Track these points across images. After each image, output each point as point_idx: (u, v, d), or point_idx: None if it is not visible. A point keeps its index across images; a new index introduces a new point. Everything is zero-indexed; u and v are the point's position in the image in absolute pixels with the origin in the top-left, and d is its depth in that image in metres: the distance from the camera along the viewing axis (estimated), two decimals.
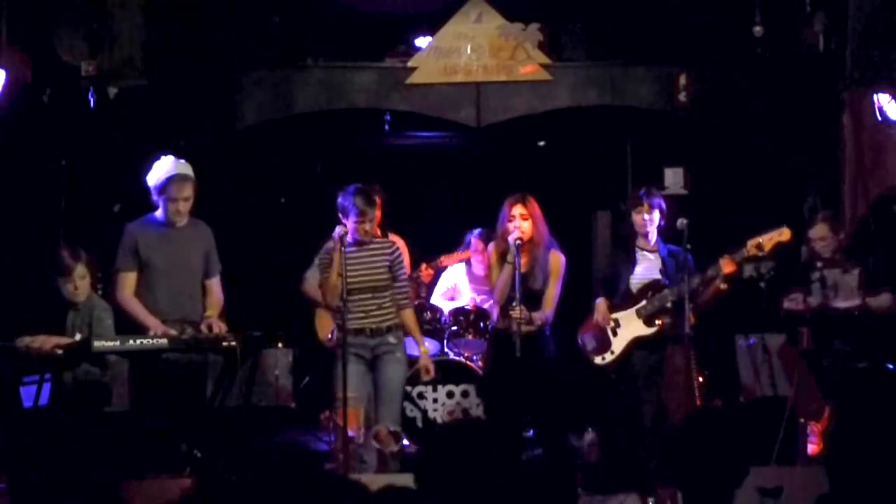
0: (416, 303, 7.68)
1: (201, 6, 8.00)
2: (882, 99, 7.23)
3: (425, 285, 7.57)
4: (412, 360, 7.52)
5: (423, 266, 7.33)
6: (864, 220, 7.47)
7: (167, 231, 6.07)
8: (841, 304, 6.32)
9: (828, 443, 6.29)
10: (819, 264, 6.45)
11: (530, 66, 8.35)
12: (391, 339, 6.12)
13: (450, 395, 7.47)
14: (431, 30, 8.37)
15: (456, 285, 8.00)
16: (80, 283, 5.90)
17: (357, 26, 8.26)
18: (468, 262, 7.93)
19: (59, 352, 5.62)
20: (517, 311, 6.10)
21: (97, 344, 5.53)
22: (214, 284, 6.21)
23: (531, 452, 6.37)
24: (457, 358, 7.54)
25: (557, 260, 6.39)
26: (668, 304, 6.29)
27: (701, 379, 6.36)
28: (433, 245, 7.82)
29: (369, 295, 6.05)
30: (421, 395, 7.47)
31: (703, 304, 6.38)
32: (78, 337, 5.69)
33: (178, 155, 6.20)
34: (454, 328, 7.58)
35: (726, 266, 6.20)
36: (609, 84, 8.42)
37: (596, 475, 6.68)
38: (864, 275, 6.43)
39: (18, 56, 7.04)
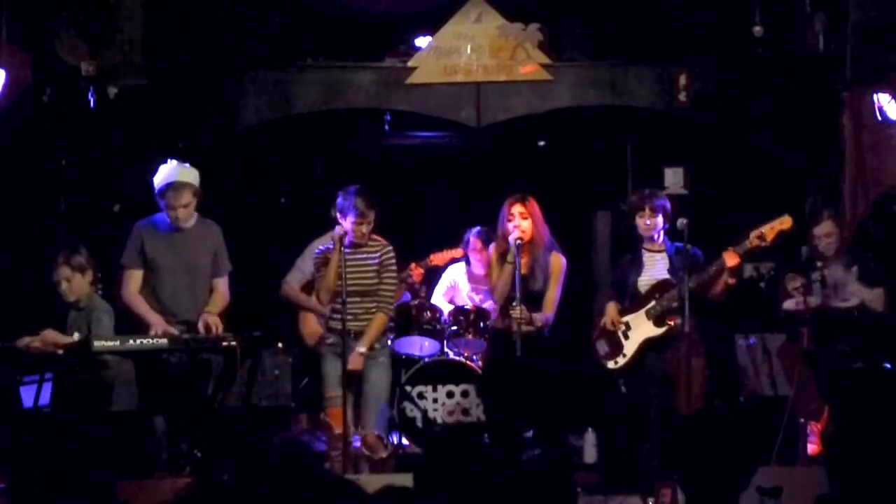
0: (417, 302, 7.69)
1: (201, 6, 7.99)
2: (882, 99, 7.24)
3: (417, 284, 7.55)
4: (411, 360, 7.55)
5: (413, 265, 7.33)
6: (864, 219, 7.47)
7: (174, 232, 6.09)
8: (841, 303, 6.32)
9: (826, 443, 6.28)
10: (819, 264, 6.44)
11: (530, 66, 8.35)
12: (376, 344, 6.12)
13: (450, 394, 7.47)
14: (431, 30, 8.36)
15: (456, 285, 8.00)
16: (66, 284, 5.95)
17: (357, 26, 8.26)
18: (467, 262, 7.93)
19: (59, 352, 5.62)
20: (517, 311, 6.09)
21: (97, 344, 5.54)
22: (221, 284, 6.22)
23: (531, 452, 6.40)
24: (457, 358, 7.53)
25: (558, 261, 6.38)
26: (677, 304, 6.23)
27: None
28: (433, 245, 7.82)
29: (358, 298, 6.05)
30: (421, 395, 7.47)
31: (714, 298, 6.35)
32: (76, 336, 5.69)
33: (181, 159, 6.21)
34: (454, 328, 7.58)
35: (730, 259, 6.19)
36: (609, 84, 8.41)
37: (596, 475, 6.70)
38: (862, 269, 6.42)
39: (18, 56, 7.04)
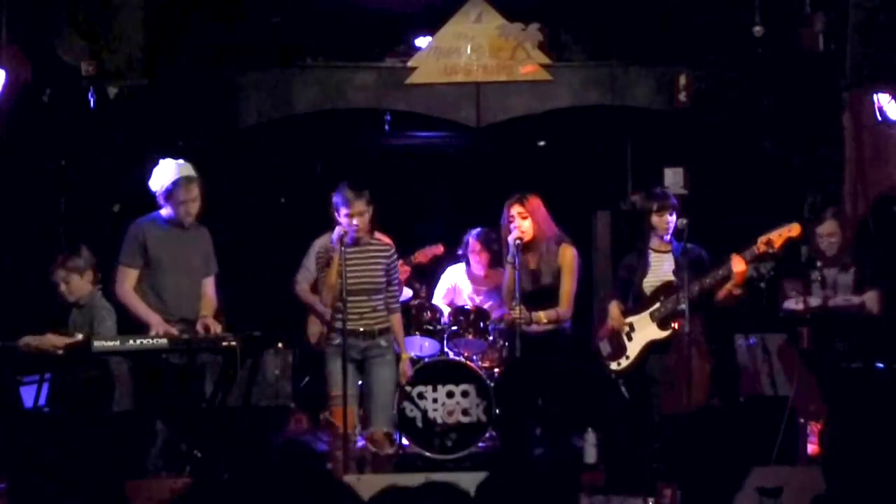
0: (417, 303, 7.69)
1: (201, 6, 8.00)
2: (882, 99, 7.24)
3: (401, 282, 7.53)
4: (412, 360, 7.54)
5: (400, 262, 7.32)
6: (864, 220, 7.47)
7: (175, 231, 6.11)
8: (841, 303, 6.32)
9: (823, 443, 6.28)
10: (819, 264, 6.44)
11: (530, 66, 8.35)
12: (382, 342, 6.13)
13: (450, 395, 7.46)
14: (431, 30, 8.37)
15: (456, 286, 8.00)
16: (63, 286, 5.99)
17: (357, 26, 8.27)
18: (467, 263, 7.93)
19: (59, 351, 5.62)
20: (517, 311, 6.09)
21: (97, 344, 5.54)
22: (209, 284, 6.24)
23: (536, 452, 6.41)
24: (457, 358, 7.53)
25: (568, 253, 6.37)
26: (682, 307, 6.20)
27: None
28: (418, 249, 7.81)
29: (364, 297, 6.05)
30: (421, 395, 7.47)
31: (720, 304, 6.31)
32: (80, 337, 5.69)
33: (175, 156, 6.22)
34: (454, 328, 7.58)
35: (737, 264, 6.13)
36: (609, 84, 8.42)
37: (597, 475, 6.70)
38: (857, 276, 6.43)
39: (18, 56, 7.04)
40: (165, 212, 6.11)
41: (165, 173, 6.07)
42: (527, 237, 6.21)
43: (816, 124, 7.98)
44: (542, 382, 6.08)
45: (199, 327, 5.93)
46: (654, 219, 6.38)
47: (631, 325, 6.38)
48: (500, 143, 8.98)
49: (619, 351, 6.41)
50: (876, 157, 7.61)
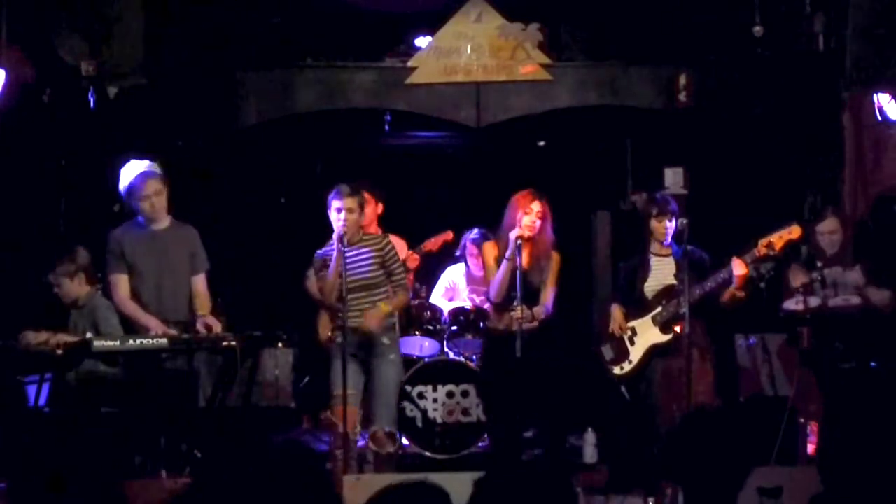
0: (416, 302, 7.69)
1: (201, 6, 8.00)
2: (882, 99, 7.23)
3: (413, 271, 7.52)
4: (411, 360, 7.55)
5: (409, 253, 7.32)
6: (864, 220, 7.47)
7: (151, 234, 6.08)
8: (840, 303, 6.31)
9: (820, 442, 6.28)
10: (819, 264, 6.42)
11: (530, 66, 8.35)
12: (385, 339, 6.10)
13: (450, 395, 7.47)
14: (431, 30, 8.37)
15: (455, 286, 8.00)
16: (56, 289, 6.03)
17: (357, 26, 8.27)
18: (466, 264, 7.93)
19: (59, 351, 5.62)
20: (518, 311, 6.07)
21: (97, 344, 5.54)
22: (199, 281, 6.20)
23: (531, 452, 6.40)
24: (457, 358, 7.54)
25: (557, 259, 6.38)
26: (683, 310, 6.17)
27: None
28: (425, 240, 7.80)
29: (364, 293, 6.03)
30: (421, 395, 7.47)
31: (723, 307, 6.27)
32: (89, 335, 5.69)
33: (148, 157, 6.23)
34: (454, 328, 7.59)
35: (738, 267, 6.08)
36: (609, 84, 8.42)
37: (597, 475, 6.70)
38: (870, 270, 6.38)
39: (18, 56, 7.04)
40: (139, 215, 6.11)
41: (128, 172, 6.07)
42: (527, 235, 6.18)
43: (816, 124, 7.98)
44: (527, 381, 6.04)
45: (199, 326, 5.92)
46: (654, 223, 6.34)
47: (633, 330, 6.33)
48: (500, 143, 8.98)
49: (622, 356, 6.35)
50: (876, 157, 7.61)
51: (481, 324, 7.44)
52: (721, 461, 3.08)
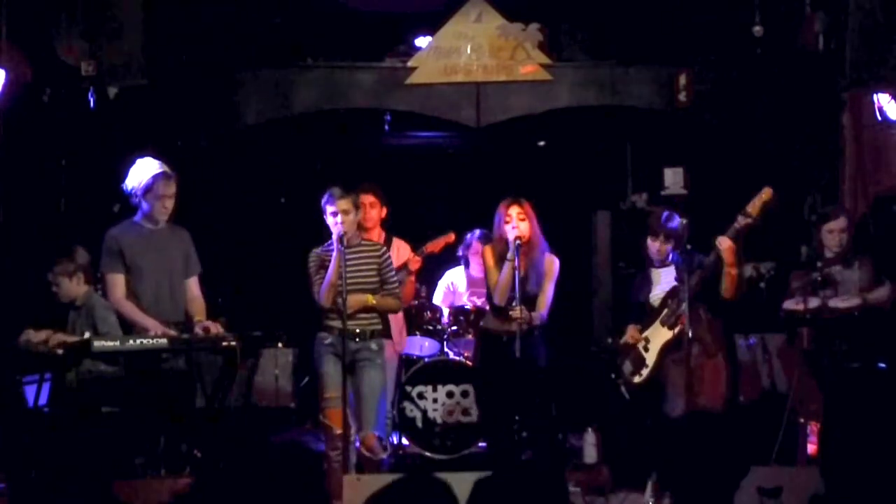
0: (417, 303, 7.68)
1: (201, 6, 8.00)
2: (882, 99, 7.23)
3: (414, 273, 7.50)
4: (411, 360, 7.55)
5: (410, 255, 7.31)
6: (864, 220, 7.46)
7: (149, 234, 6.08)
8: (840, 303, 6.31)
9: (821, 443, 6.27)
10: (819, 264, 6.43)
11: (530, 66, 8.35)
12: (373, 345, 6.09)
13: (450, 395, 7.47)
14: (431, 30, 8.37)
15: (455, 288, 8.00)
16: (55, 288, 6.04)
17: (357, 26, 8.27)
18: (466, 265, 7.92)
19: (60, 351, 5.62)
20: (517, 312, 6.07)
21: (97, 344, 5.54)
22: (193, 284, 6.20)
23: (524, 453, 6.39)
24: (457, 358, 7.54)
25: (552, 263, 6.36)
26: (684, 306, 6.17)
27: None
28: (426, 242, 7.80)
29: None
30: (421, 395, 7.47)
31: (727, 297, 6.22)
32: (87, 335, 5.69)
33: (159, 157, 6.22)
34: (454, 328, 7.59)
35: (722, 243, 6.07)
36: (609, 84, 8.42)
37: (597, 474, 6.71)
38: (872, 265, 6.36)
39: (18, 56, 7.04)
40: (139, 215, 6.10)
41: (144, 170, 6.06)
42: (525, 238, 6.19)
43: (816, 124, 7.98)
44: (522, 383, 6.04)
45: (198, 330, 5.92)
46: (649, 241, 6.35)
47: (647, 339, 6.33)
48: (500, 143, 8.98)
49: (640, 364, 6.31)
50: (876, 157, 7.60)
51: (481, 323, 7.43)
52: (720, 461, 3.08)
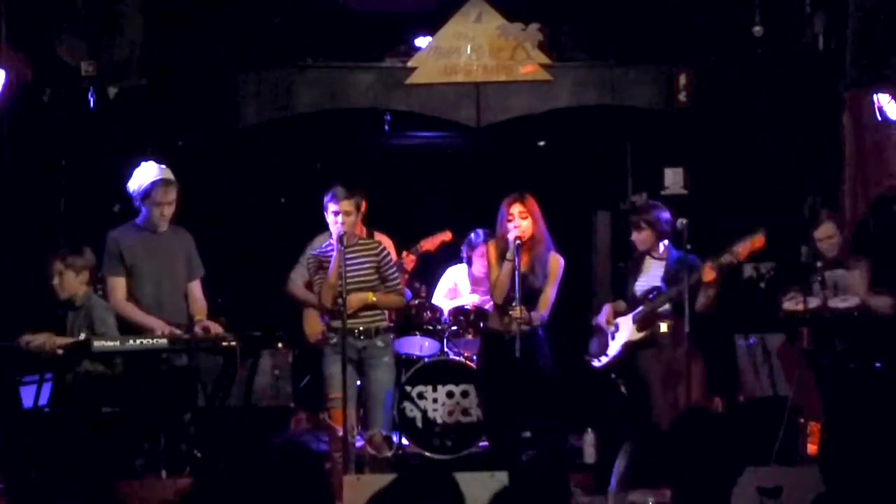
0: (416, 302, 7.68)
1: (201, 6, 8.00)
2: (882, 99, 7.23)
3: (409, 272, 7.51)
4: (411, 360, 7.55)
5: (404, 254, 7.31)
6: (864, 220, 7.47)
7: (150, 237, 6.08)
8: (840, 304, 6.32)
9: (821, 443, 6.27)
10: (819, 264, 6.44)
11: (530, 66, 8.35)
12: (379, 342, 6.09)
13: (450, 395, 7.47)
14: (431, 30, 8.37)
15: (456, 286, 7.99)
16: (57, 279, 5.94)
17: (357, 26, 8.27)
18: (469, 264, 7.92)
19: (59, 352, 5.62)
20: (517, 311, 6.07)
21: (97, 344, 5.54)
22: (196, 287, 6.20)
23: (527, 453, 6.39)
24: (457, 358, 7.53)
25: (556, 262, 6.36)
26: (661, 309, 6.29)
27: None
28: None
29: None
30: (421, 395, 7.47)
31: (702, 310, 6.31)
32: (83, 336, 5.69)
33: (160, 159, 6.22)
34: (454, 328, 7.58)
35: (707, 274, 6.16)
36: (609, 84, 8.42)
37: (596, 475, 6.70)
38: (871, 268, 6.40)
39: (18, 56, 7.04)
40: (140, 218, 6.09)
41: (145, 174, 6.06)
42: (526, 236, 6.19)
43: (816, 124, 7.98)
44: (524, 383, 6.04)
45: (198, 330, 5.91)
46: (633, 233, 6.46)
47: (617, 326, 6.46)
48: (500, 143, 8.97)
49: (603, 348, 6.50)
50: (876, 157, 7.61)
51: (481, 324, 7.43)
52: (720, 461, 3.08)
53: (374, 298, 6.06)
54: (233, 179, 8.61)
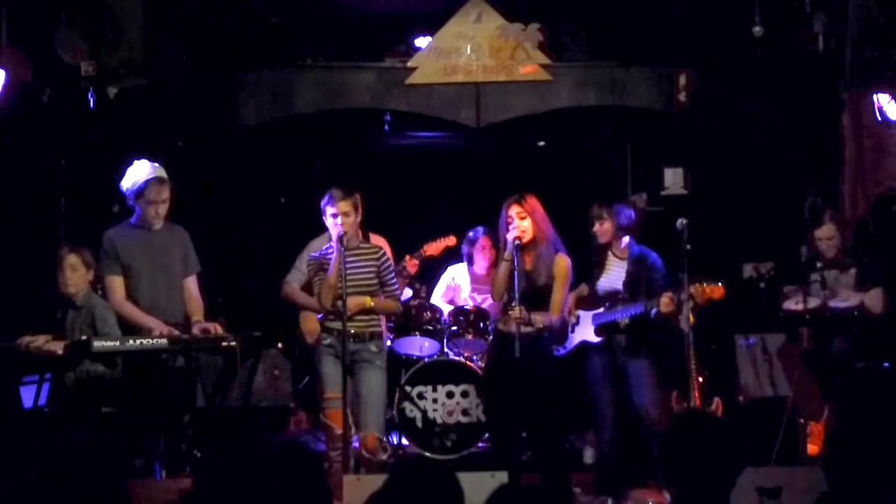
0: (416, 303, 7.68)
1: (201, 6, 8.00)
2: (882, 99, 7.24)
3: (411, 276, 7.52)
4: (411, 360, 7.55)
5: (407, 258, 7.31)
6: (864, 220, 7.47)
7: (145, 235, 6.07)
8: (840, 304, 6.32)
9: (827, 443, 6.28)
10: (819, 265, 6.45)
11: (530, 66, 8.35)
12: (373, 347, 6.09)
13: (450, 395, 7.47)
14: (431, 30, 8.37)
15: (457, 286, 7.99)
16: (71, 274, 5.91)
17: (357, 26, 8.26)
18: (469, 262, 7.92)
19: (59, 352, 5.62)
20: (517, 312, 6.06)
21: (97, 344, 5.53)
22: (192, 284, 6.20)
23: (527, 454, 6.39)
24: (457, 358, 7.53)
25: (563, 263, 6.32)
26: (620, 320, 6.34)
27: (701, 379, 6.34)
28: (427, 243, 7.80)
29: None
30: (421, 396, 7.47)
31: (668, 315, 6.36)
32: (83, 336, 5.69)
33: (153, 158, 6.22)
34: (454, 328, 7.58)
35: (665, 306, 6.17)
36: (609, 84, 8.42)
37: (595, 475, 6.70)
38: (860, 275, 6.45)
39: (18, 56, 7.04)
40: (134, 216, 6.09)
41: (138, 172, 6.05)
42: (525, 237, 6.18)
43: (816, 124, 7.98)
44: (526, 384, 6.04)
45: (196, 331, 5.91)
46: (594, 223, 6.51)
47: (577, 318, 6.47)
48: (500, 143, 8.97)
49: (562, 339, 6.50)
50: (876, 157, 7.61)
51: (481, 324, 7.44)
52: (720, 461, 3.08)
53: (372, 303, 6.06)
54: (233, 179, 8.61)
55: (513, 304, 6.10)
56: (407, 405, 7.42)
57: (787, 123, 8.10)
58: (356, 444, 6.18)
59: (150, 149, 6.77)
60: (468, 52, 8.32)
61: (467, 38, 8.34)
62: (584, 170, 9.22)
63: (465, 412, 7.43)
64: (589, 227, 6.60)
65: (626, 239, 6.49)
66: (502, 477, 4.63)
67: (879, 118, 7.34)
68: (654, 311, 6.15)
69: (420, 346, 7.70)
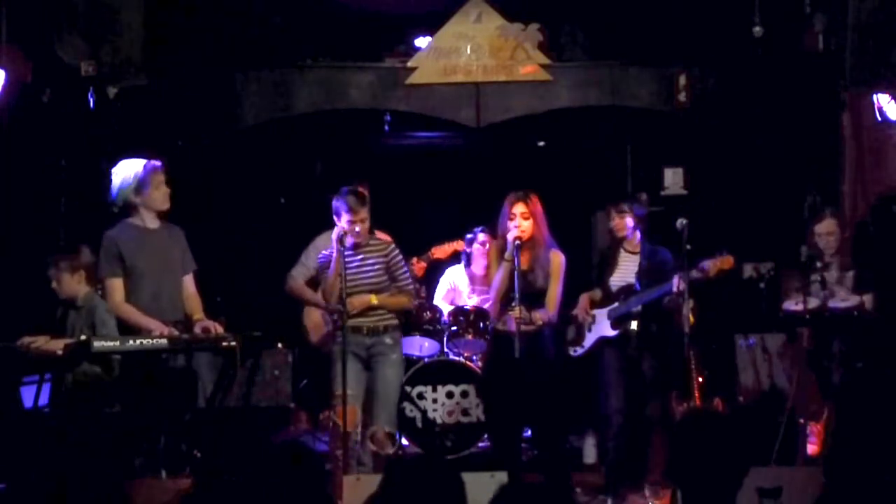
0: (416, 303, 7.68)
1: (201, 6, 8.00)
2: (882, 99, 7.24)
3: (418, 279, 7.54)
4: (411, 360, 7.55)
5: (415, 260, 7.32)
6: (864, 220, 7.47)
7: (145, 235, 6.06)
8: (839, 304, 6.33)
9: (828, 443, 6.29)
10: (819, 265, 6.45)
11: (530, 66, 8.35)
12: (387, 339, 6.10)
13: (449, 395, 7.48)
14: (431, 30, 8.37)
15: (456, 287, 7.99)
16: (54, 283, 6.09)
17: (357, 26, 8.27)
18: (467, 263, 7.92)
19: (59, 352, 5.62)
20: (517, 311, 6.06)
21: (97, 344, 5.52)
22: (189, 282, 6.19)
23: (529, 454, 6.40)
24: (457, 358, 7.54)
25: (557, 259, 6.34)
26: (634, 310, 6.38)
27: (701, 379, 6.34)
28: (433, 245, 7.82)
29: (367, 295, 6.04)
30: (421, 396, 7.48)
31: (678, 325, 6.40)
32: (83, 338, 5.68)
33: (153, 160, 6.22)
34: (454, 328, 7.58)
35: (677, 285, 6.21)
36: (609, 84, 8.42)
37: (596, 475, 6.71)
38: (857, 277, 6.45)
39: (18, 56, 7.04)
40: (133, 218, 6.08)
41: (130, 168, 6.03)
42: (525, 237, 6.18)
43: (816, 124, 7.98)
44: (526, 383, 6.04)
45: (198, 330, 5.91)
46: (615, 219, 6.50)
47: (594, 318, 6.51)
48: (500, 143, 8.98)
49: (578, 339, 6.55)
50: (876, 157, 7.61)
51: (481, 324, 7.43)
52: (720, 461, 3.08)
53: (377, 301, 6.06)
54: (233, 179, 8.62)
55: (513, 304, 6.10)
56: (407, 405, 7.42)
57: (787, 123, 8.10)
58: (359, 443, 6.18)
59: (149, 149, 6.76)
60: (468, 52, 8.33)
61: (467, 38, 8.34)
62: (584, 170, 9.23)
63: (465, 412, 7.44)
64: (591, 226, 6.61)
65: (639, 235, 6.55)
66: (502, 477, 4.63)
67: (879, 118, 7.34)
68: (674, 286, 6.18)
69: (420, 347, 7.71)
